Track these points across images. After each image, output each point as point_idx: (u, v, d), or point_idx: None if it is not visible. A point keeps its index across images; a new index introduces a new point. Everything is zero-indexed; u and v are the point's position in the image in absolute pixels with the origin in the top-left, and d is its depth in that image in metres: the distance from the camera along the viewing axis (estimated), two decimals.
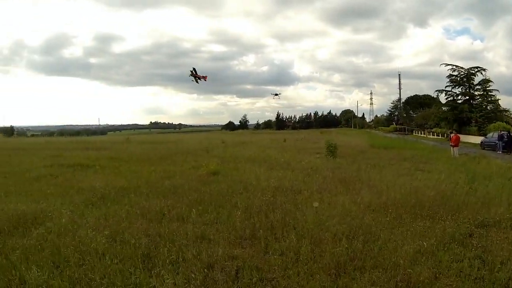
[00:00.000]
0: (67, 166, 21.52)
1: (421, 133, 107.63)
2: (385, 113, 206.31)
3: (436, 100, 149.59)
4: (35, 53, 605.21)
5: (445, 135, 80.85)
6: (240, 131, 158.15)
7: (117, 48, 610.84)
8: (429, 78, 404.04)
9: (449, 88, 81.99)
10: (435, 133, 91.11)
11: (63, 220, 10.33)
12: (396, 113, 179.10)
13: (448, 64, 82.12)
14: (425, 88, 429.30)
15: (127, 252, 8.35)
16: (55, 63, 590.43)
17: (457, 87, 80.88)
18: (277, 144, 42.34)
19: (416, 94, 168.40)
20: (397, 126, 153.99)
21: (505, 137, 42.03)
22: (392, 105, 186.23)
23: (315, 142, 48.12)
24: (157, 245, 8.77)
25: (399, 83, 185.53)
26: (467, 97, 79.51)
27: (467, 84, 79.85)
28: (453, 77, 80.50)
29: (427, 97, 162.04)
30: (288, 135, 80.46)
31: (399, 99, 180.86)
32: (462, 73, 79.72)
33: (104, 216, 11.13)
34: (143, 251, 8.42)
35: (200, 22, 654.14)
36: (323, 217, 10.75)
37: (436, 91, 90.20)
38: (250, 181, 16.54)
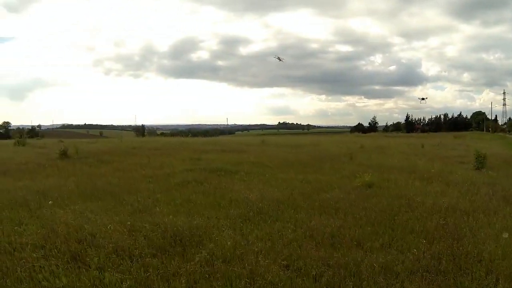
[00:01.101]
0: (209, 171, 21.10)
1: None
2: None
3: None
4: (165, 58, 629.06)
5: None
6: (372, 134, 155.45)
7: (243, 50, 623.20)
8: None
9: None
10: None
11: (228, 242, 9.16)
12: None
13: None
14: None
15: None
16: (184, 66, 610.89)
17: None
18: (416, 150, 40.75)
19: None
20: None
21: None
22: None
23: (453, 149, 46.41)
24: (342, 280, 7.48)
25: None
26: None
27: None
28: None
29: None
30: (422, 139, 78.29)
31: None
32: None
33: (267, 236, 9.93)
34: None
35: (325, 23, 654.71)
36: None
37: None
38: (411, 196, 14.83)
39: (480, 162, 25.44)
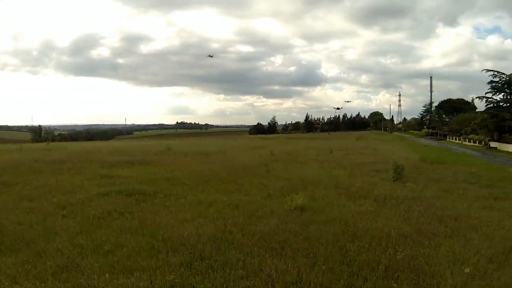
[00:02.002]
0: (126, 194, 19.12)
1: (455, 139, 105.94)
2: (415, 115, 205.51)
3: (470, 105, 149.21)
4: (64, 54, 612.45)
5: (483, 142, 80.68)
6: (275, 135, 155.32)
7: (144, 48, 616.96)
8: (458, 79, 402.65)
9: (489, 95, 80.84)
10: (472, 140, 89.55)
11: None
12: (428, 117, 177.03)
13: (489, 70, 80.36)
14: (454, 90, 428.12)
15: None
16: (83, 63, 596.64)
17: (498, 93, 79.71)
18: (328, 157, 40.20)
19: (449, 98, 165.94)
20: (429, 130, 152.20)
21: None
22: (424, 108, 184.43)
23: (361, 153, 46.70)
24: None
25: (431, 86, 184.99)
26: (508, 104, 78.24)
27: (509, 91, 78.20)
28: (494, 84, 79.21)
29: (461, 101, 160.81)
30: (326, 141, 79.31)
31: (431, 102, 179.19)
32: (504, 79, 78.15)
33: None
34: None
35: (228, 23, 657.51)
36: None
37: (477, 97, 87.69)
38: (349, 220, 14.43)
39: (398, 173, 25.40)
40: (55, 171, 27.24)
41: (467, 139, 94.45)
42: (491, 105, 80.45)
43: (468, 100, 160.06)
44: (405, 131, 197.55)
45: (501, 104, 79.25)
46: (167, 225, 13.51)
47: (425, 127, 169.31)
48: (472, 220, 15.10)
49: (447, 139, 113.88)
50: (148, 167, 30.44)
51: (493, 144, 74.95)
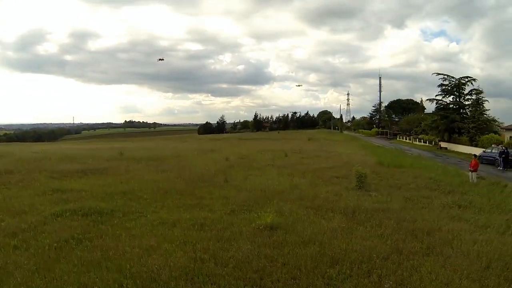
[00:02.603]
0: (82, 214, 17.21)
1: (406, 139, 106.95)
2: (363, 114, 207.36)
3: (419, 106, 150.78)
4: (9, 49, 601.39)
5: (433, 142, 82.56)
6: (224, 135, 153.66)
7: (93, 45, 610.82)
8: (405, 79, 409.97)
9: (439, 97, 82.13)
10: (423, 140, 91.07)
11: None
12: (378, 116, 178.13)
13: (439, 74, 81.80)
14: (401, 89, 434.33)
15: None
16: (30, 59, 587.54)
17: (447, 96, 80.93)
18: (284, 161, 39.68)
19: (399, 99, 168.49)
20: (379, 130, 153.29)
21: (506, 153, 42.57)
22: (374, 108, 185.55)
23: (317, 156, 46.38)
24: None
25: (380, 86, 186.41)
26: (457, 106, 79.39)
27: (457, 93, 79.39)
28: (444, 87, 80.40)
29: (409, 101, 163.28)
30: (278, 142, 79.05)
31: (380, 102, 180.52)
32: (453, 82, 79.42)
33: None
34: None
35: (178, 20, 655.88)
36: None
37: (427, 99, 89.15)
38: (324, 240, 13.66)
39: (361, 181, 24.86)
40: (2, 185, 25.40)
41: (417, 139, 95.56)
42: (441, 106, 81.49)
43: (417, 101, 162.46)
44: (354, 130, 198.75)
45: (450, 106, 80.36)
46: (133, 255, 12.18)
47: (374, 126, 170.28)
48: (444, 234, 14.95)
49: (397, 139, 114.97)
50: (102, 177, 28.91)
51: (443, 144, 77.07)
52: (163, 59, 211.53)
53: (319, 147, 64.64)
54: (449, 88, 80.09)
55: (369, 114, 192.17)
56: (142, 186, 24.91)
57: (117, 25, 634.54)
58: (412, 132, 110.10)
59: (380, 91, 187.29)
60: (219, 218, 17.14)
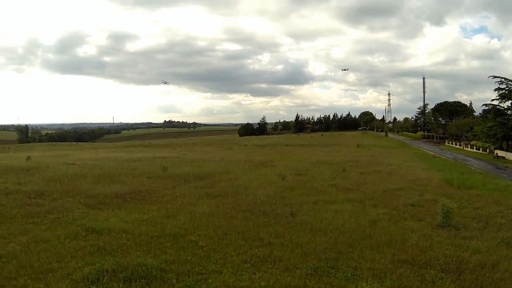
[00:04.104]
0: (124, 279, 13.15)
1: (455, 144, 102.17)
2: (404, 114, 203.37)
3: (467, 108, 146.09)
4: (50, 52, 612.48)
5: (487, 150, 78.12)
6: (269, 140, 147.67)
7: (131, 46, 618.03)
8: (444, 78, 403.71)
9: (496, 102, 77.32)
10: (475, 147, 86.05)
11: None
12: (423, 119, 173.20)
13: (496, 77, 76.76)
14: (440, 88, 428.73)
15: None
16: (70, 61, 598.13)
17: (505, 100, 76.06)
18: (345, 181, 34.39)
19: (446, 101, 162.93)
20: (425, 133, 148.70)
21: None
22: (419, 110, 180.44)
23: (376, 170, 42.18)
24: None
25: (424, 87, 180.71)
26: None
27: None
28: (502, 91, 75.56)
29: (457, 104, 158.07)
30: (327, 150, 75.66)
31: (424, 104, 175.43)
32: (511, 86, 74.60)
33: None
34: None
35: (215, 21, 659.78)
36: None
37: (483, 105, 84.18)
38: None
39: (448, 217, 20.87)
40: (30, 218, 21.46)
41: (468, 145, 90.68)
42: (498, 112, 76.66)
43: (465, 103, 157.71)
44: (398, 132, 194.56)
45: (508, 112, 75.53)
46: None
47: (419, 129, 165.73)
48: None
49: (446, 144, 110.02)
50: (144, 207, 24.62)
51: (500, 153, 71.24)
52: (167, 83, 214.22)
53: (373, 157, 60.34)
54: (507, 92, 74.97)
55: (414, 117, 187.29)
56: (194, 223, 20.57)
57: (154, 26, 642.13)
58: (463, 138, 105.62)
59: (424, 92, 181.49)
60: (302, 286, 13.10)
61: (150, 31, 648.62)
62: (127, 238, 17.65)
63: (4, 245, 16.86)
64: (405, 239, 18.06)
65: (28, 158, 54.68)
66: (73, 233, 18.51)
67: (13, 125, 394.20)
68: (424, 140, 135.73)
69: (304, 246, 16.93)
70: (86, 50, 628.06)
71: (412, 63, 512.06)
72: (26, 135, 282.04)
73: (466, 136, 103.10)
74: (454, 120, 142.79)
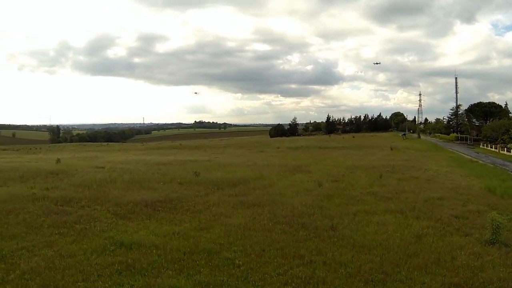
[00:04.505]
0: None
1: (490, 147, 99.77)
2: (435, 115, 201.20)
3: (504, 110, 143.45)
4: (80, 54, 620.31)
5: None
6: (301, 142, 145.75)
7: (160, 48, 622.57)
8: (475, 77, 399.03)
9: None
10: None
11: None
12: (456, 121, 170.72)
13: None
14: (472, 88, 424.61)
15: None
16: (100, 63, 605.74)
17: None
18: (383, 189, 32.60)
19: (480, 102, 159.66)
20: (458, 135, 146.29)
21: None
22: (451, 111, 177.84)
23: (414, 176, 40.50)
24: None
25: (456, 87, 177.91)
26: None
27: None
28: None
29: (491, 104, 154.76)
30: (361, 153, 74.17)
31: (457, 105, 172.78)
32: None
33: None
34: None
35: (244, 21, 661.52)
36: None
37: None
38: None
39: (497, 233, 19.33)
40: (57, 228, 20.25)
41: (505, 149, 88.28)
42: None
43: (498, 103, 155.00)
44: (430, 133, 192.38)
45: None
46: None
47: (452, 130, 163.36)
48: None
49: (481, 146, 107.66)
50: (176, 217, 23.06)
51: None
52: (197, 93, 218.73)
53: (409, 162, 58.37)
54: None
55: (447, 118, 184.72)
56: (230, 238, 19.04)
57: (183, 27, 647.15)
58: (499, 140, 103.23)
59: (456, 92, 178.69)
60: None
61: (179, 32, 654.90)
62: (158, 254, 16.34)
63: (29, 259, 15.74)
64: (453, 258, 16.53)
65: (58, 160, 53.89)
66: (100, 247, 17.28)
67: (45, 125, 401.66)
68: (457, 142, 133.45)
69: (348, 265, 15.49)
70: (116, 52, 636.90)
71: (443, 62, 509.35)
72: (57, 135, 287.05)
73: (502, 139, 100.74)
74: (488, 121, 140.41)
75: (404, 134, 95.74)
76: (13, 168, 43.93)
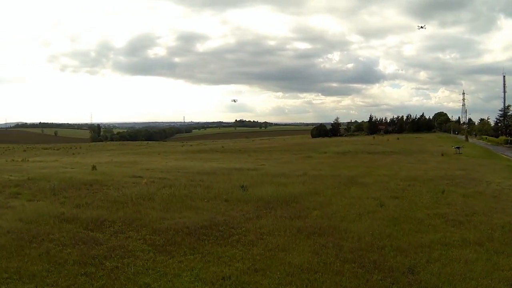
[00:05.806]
0: None
1: None
2: (478, 115, 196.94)
3: None
4: (121, 54, 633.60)
5: None
6: (345, 145, 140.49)
7: (200, 47, 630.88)
8: None
9: None
10: None
11: None
12: (504, 122, 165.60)
13: None
14: None
15: None
16: (140, 63, 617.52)
17: None
18: (450, 208, 30.26)
19: None
20: (508, 138, 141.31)
21: None
22: (500, 112, 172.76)
23: (478, 191, 36.18)
24: None
25: (504, 86, 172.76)
26: None
27: None
28: None
29: None
30: (412, 160, 70.78)
31: (505, 105, 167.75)
32: None
33: None
34: None
35: (284, 20, 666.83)
36: None
37: None
38: None
39: None
40: (82, 264, 17.06)
41: None
42: None
43: None
44: (476, 135, 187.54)
45: None
46: None
47: (500, 132, 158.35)
48: None
49: None
50: (224, 253, 19.19)
51: None
52: (236, 101, 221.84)
53: (466, 171, 53.41)
54: None
55: (496, 119, 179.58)
56: (291, 285, 15.35)
57: (223, 26, 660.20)
58: None
59: (504, 92, 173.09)
60: None
61: (219, 32, 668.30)
62: None
63: None
64: None
65: (94, 167, 51.14)
66: None
67: (86, 124, 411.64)
68: (507, 146, 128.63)
69: None
70: (156, 52, 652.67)
71: (486, 59, 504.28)
72: (98, 133, 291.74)
73: None
74: None
75: (458, 148, 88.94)
76: (46, 177, 41.29)
